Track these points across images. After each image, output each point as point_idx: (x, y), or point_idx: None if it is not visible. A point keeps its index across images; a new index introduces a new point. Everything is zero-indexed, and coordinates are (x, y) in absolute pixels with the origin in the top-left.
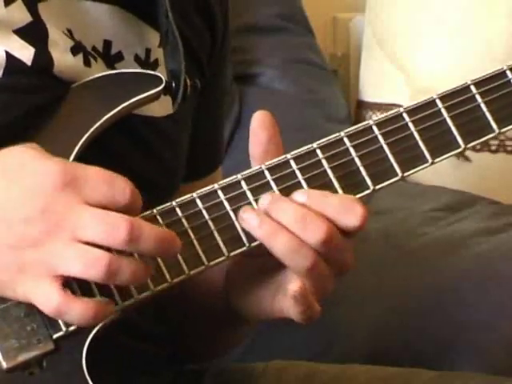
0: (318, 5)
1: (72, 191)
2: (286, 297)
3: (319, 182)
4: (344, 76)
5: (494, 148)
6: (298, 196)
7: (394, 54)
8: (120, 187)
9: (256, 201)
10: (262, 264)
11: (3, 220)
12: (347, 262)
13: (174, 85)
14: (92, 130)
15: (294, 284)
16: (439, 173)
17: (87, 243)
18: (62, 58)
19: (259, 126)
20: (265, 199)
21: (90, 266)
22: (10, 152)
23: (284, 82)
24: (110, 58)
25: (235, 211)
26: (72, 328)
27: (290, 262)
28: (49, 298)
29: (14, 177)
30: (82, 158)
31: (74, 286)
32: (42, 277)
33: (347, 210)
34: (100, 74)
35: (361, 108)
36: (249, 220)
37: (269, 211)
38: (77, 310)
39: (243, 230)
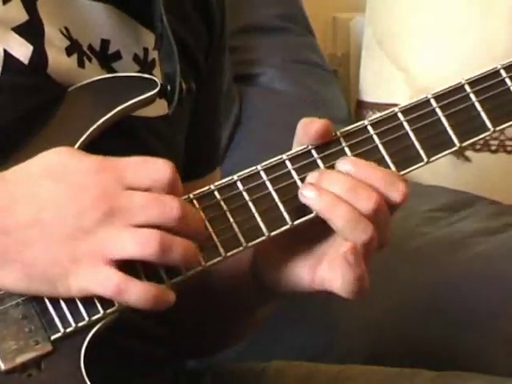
0: (318, 5)
1: (115, 180)
2: (334, 268)
3: None
4: (344, 76)
5: (494, 148)
6: (344, 164)
7: (394, 54)
8: (159, 165)
9: (253, 201)
10: (299, 237)
11: (54, 217)
12: (388, 237)
13: (169, 88)
14: (88, 132)
15: (346, 244)
16: (439, 173)
17: (139, 226)
18: (57, 57)
19: (319, 137)
20: (312, 175)
21: (144, 244)
22: (49, 154)
23: (284, 81)
24: (107, 57)
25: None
26: (70, 329)
27: (348, 234)
28: (108, 279)
29: (58, 176)
30: None
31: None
32: (97, 264)
33: (391, 185)
34: (96, 78)
35: (361, 108)
36: (308, 194)
37: (321, 183)
38: (137, 290)
39: (241, 230)
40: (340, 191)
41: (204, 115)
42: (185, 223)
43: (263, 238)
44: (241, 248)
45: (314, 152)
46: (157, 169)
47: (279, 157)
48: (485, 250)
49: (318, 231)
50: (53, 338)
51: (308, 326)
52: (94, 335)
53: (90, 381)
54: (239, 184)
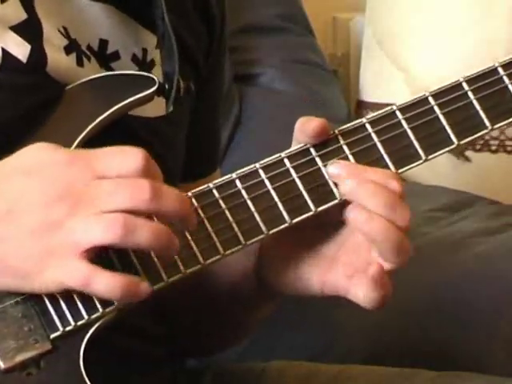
0: (318, 5)
1: (84, 170)
2: (355, 278)
3: (316, 183)
4: (344, 76)
5: (494, 148)
6: (332, 168)
7: (394, 54)
8: (131, 153)
9: (251, 199)
10: (304, 237)
11: (23, 210)
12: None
13: (167, 86)
14: (86, 131)
15: (374, 266)
16: (439, 173)
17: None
18: (56, 56)
19: (317, 135)
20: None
21: (107, 228)
22: (25, 150)
23: (284, 81)
24: (105, 57)
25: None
26: (69, 328)
27: (393, 258)
28: (77, 271)
29: (30, 170)
30: None
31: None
32: (68, 256)
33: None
34: (94, 76)
35: (361, 108)
36: (357, 215)
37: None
38: (104, 280)
39: (240, 228)
40: (378, 207)
41: (204, 115)
42: (159, 204)
43: (262, 236)
44: (240, 246)
45: (312, 150)
46: (127, 157)
47: (277, 155)
48: (485, 250)
49: (323, 235)
50: (52, 336)
51: (308, 326)
52: (93, 334)
53: (89, 379)
54: (238, 182)
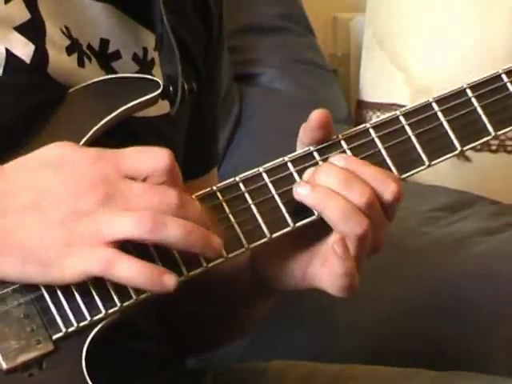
0: (318, 5)
1: (113, 168)
2: (324, 266)
3: None
4: (344, 76)
5: (494, 148)
6: (338, 160)
7: (394, 54)
8: (157, 153)
9: (256, 204)
10: (293, 233)
11: (50, 201)
12: (381, 242)
13: (171, 89)
14: (91, 133)
15: (334, 236)
16: (439, 173)
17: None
18: (57, 56)
19: (319, 126)
20: (308, 172)
21: (137, 222)
22: (48, 147)
23: (284, 81)
24: (106, 56)
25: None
26: (72, 329)
27: (344, 227)
28: (100, 256)
29: (57, 165)
30: None
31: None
32: (91, 245)
33: (382, 183)
34: (98, 79)
35: (361, 108)
36: (301, 191)
37: (315, 178)
38: (129, 264)
39: (242, 231)
40: (333, 184)
41: (203, 115)
42: (183, 212)
43: (265, 239)
44: (242, 250)
45: (315, 154)
46: (155, 157)
47: (281, 159)
48: (485, 250)
49: (314, 231)
50: (54, 337)
51: (308, 326)
52: (95, 335)
53: (91, 380)
54: (241, 185)
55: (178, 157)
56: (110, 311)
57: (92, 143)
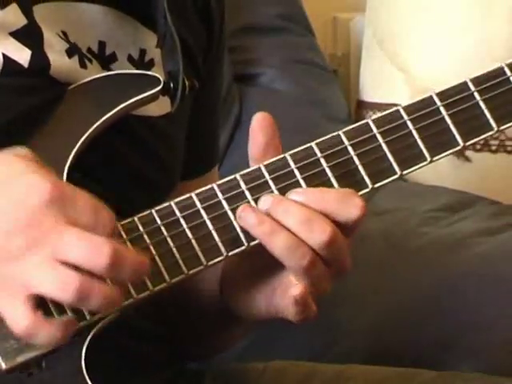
0: (318, 5)
1: (57, 210)
2: (284, 298)
3: (318, 181)
4: (344, 76)
5: (494, 148)
6: (295, 196)
7: (394, 54)
8: (105, 217)
9: (255, 200)
10: (258, 263)
11: None
12: (346, 263)
13: (172, 85)
14: (90, 131)
15: (296, 288)
16: (439, 173)
17: (66, 264)
18: (58, 59)
19: (259, 127)
20: (266, 200)
21: (62, 287)
22: (9, 154)
23: (284, 81)
24: (105, 58)
25: (234, 211)
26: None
27: (288, 260)
28: (19, 320)
29: (7, 187)
30: (80, 158)
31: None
32: (16, 294)
33: (346, 203)
34: (98, 76)
35: (361, 108)
36: (247, 218)
37: (271, 212)
38: (44, 334)
39: (242, 229)
40: (292, 223)
41: (203, 116)
42: (115, 271)
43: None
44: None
45: (317, 151)
46: (101, 218)
47: (281, 156)
48: (485, 250)
49: (273, 260)
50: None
51: (308, 326)
52: (95, 335)
53: (90, 380)
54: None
55: (178, 156)
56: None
57: (92, 140)
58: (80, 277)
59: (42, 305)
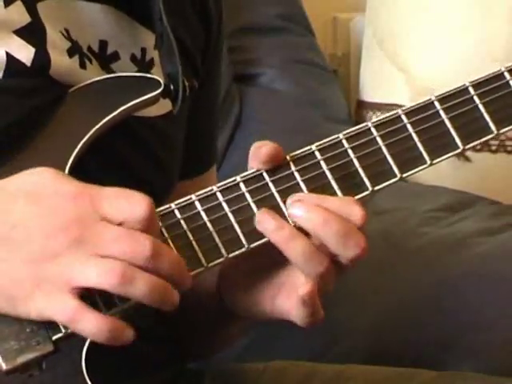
0: (318, 5)
1: (90, 208)
2: (291, 299)
3: (318, 184)
4: (344, 76)
5: (494, 148)
6: (296, 204)
7: (394, 53)
8: (136, 200)
9: (255, 202)
10: (261, 263)
11: (23, 236)
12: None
13: (172, 87)
14: (91, 133)
15: (304, 287)
16: (439, 173)
17: (108, 257)
18: (59, 59)
19: (266, 159)
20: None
21: (105, 274)
22: (30, 173)
23: (284, 81)
24: (106, 58)
25: (234, 213)
26: (71, 329)
27: (305, 266)
28: (64, 307)
29: (34, 196)
30: (81, 160)
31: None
32: (58, 290)
33: (347, 213)
34: (98, 78)
35: (361, 108)
36: (265, 223)
37: (289, 214)
38: (92, 321)
39: (242, 231)
40: (308, 226)
41: (201, 116)
42: (156, 263)
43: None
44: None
45: (316, 153)
46: (134, 204)
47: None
48: (485, 250)
49: (276, 260)
50: (54, 338)
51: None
52: None
53: (91, 381)
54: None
55: (177, 156)
56: (110, 312)
57: (94, 142)
58: (123, 263)
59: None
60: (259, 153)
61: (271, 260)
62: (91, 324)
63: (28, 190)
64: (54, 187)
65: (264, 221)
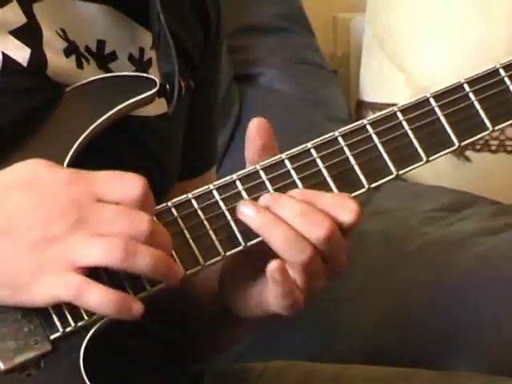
0: (318, 5)
1: (85, 192)
2: (268, 284)
3: (314, 181)
4: (344, 76)
5: (494, 148)
6: (295, 193)
7: (394, 54)
8: (132, 180)
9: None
10: (254, 261)
11: (21, 225)
12: (343, 261)
13: (168, 87)
14: (87, 132)
15: (272, 264)
16: (439, 173)
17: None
18: (56, 59)
19: (256, 133)
20: (265, 197)
21: (109, 250)
22: (23, 164)
23: (284, 82)
24: (104, 58)
25: (230, 211)
26: (69, 329)
27: (286, 254)
28: (70, 282)
29: (29, 185)
30: (78, 159)
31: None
32: (62, 271)
33: (341, 207)
34: (95, 77)
35: (361, 108)
36: (246, 211)
37: (270, 207)
38: (98, 292)
39: (239, 229)
40: (290, 216)
41: (201, 115)
42: (153, 240)
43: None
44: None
45: (313, 151)
46: (128, 184)
47: (278, 157)
48: (485, 250)
49: (268, 256)
50: (52, 337)
51: (308, 326)
52: (93, 334)
53: (89, 380)
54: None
55: (175, 156)
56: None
57: (90, 142)
58: (124, 238)
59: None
60: (248, 132)
61: (263, 258)
62: (97, 296)
63: (23, 179)
64: (49, 175)
65: (244, 209)
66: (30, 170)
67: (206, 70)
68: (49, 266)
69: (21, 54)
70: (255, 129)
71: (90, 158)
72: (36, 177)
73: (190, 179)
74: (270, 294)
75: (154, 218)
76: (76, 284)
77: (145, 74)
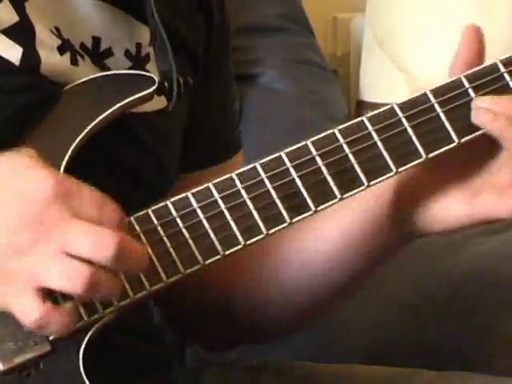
0: (318, 5)
1: (62, 203)
2: (496, 194)
3: (313, 179)
4: (344, 76)
5: None
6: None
7: (394, 54)
8: (110, 210)
9: (250, 199)
10: (451, 168)
11: None
12: None
13: (166, 85)
14: (86, 131)
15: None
16: None
17: (73, 257)
18: (49, 57)
19: (475, 35)
20: (485, 99)
21: (71, 280)
22: (4, 157)
23: (284, 82)
24: (99, 54)
25: (229, 209)
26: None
27: None
28: (30, 312)
29: (3, 182)
30: (77, 157)
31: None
32: (24, 287)
33: None
34: (93, 76)
35: (361, 108)
36: (484, 117)
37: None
38: (55, 322)
39: (238, 227)
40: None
41: (212, 104)
42: (119, 264)
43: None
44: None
45: (312, 149)
46: (106, 212)
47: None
48: (485, 250)
49: (471, 163)
50: (51, 338)
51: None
52: (92, 335)
53: (88, 380)
54: (237, 182)
55: (174, 152)
56: (107, 311)
57: (89, 140)
58: (87, 268)
59: (49, 294)
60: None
61: (461, 165)
62: (56, 325)
63: (2, 176)
64: (27, 174)
65: (484, 108)
66: (9, 165)
67: (213, 59)
68: (11, 279)
69: (13, 53)
70: (473, 32)
71: (88, 156)
72: (14, 173)
73: (206, 168)
74: (499, 203)
75: (124, 233)
76: (36, 313)
77: (143, 72)
